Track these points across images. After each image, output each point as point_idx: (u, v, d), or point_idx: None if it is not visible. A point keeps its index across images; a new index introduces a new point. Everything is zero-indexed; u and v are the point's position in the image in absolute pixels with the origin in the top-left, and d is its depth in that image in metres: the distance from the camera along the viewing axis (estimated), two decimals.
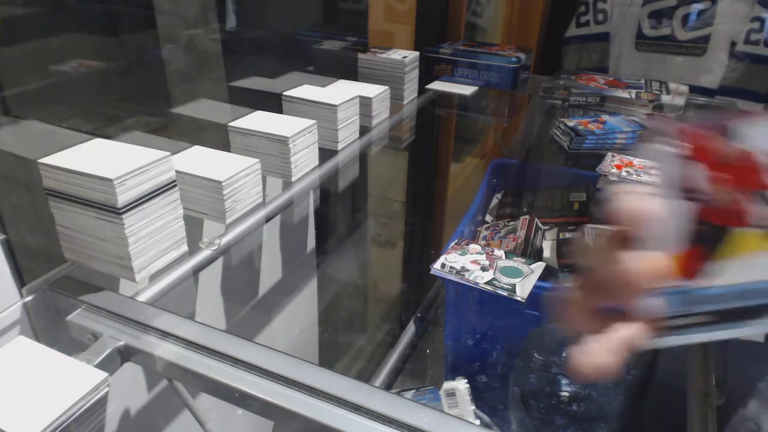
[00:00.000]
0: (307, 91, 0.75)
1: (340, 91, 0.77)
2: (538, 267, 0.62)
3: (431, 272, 0.64)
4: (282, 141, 0.63)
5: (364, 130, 0.81)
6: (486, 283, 0.59)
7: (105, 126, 0.57)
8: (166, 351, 0.43)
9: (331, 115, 0.73)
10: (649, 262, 0.21)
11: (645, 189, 0.23)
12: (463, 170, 1.62)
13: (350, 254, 1.15)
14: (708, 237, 0.22)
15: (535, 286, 0.59)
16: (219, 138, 0.65)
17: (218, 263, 0.67)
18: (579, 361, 0.22)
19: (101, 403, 0.38)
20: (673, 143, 0.22)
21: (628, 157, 0.87)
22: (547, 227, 0.84)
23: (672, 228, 0.22)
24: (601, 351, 0.22)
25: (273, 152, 0.63)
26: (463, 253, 0.66)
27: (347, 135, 0.76)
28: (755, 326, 0.22)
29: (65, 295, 0.48)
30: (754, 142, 0.21)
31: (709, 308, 0.22)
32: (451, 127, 1.14)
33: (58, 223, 0.48)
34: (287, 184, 0.67)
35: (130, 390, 0.59)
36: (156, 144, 0.48)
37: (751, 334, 0.22)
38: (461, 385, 0.56)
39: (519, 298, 0.57)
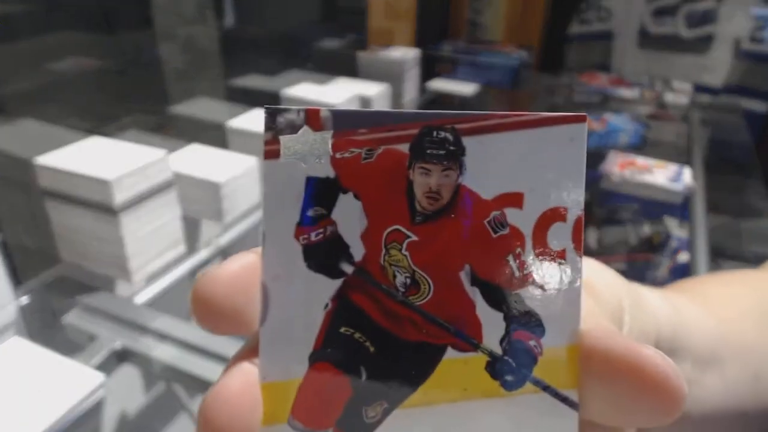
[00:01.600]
0: (306, 89, 0.75)
1: (340, 90, 0.77)
2: None
3: None
4: None
5: None
6: None
7: (102, 124, 0.56)
8: (164, 353, 0.43)
9: None
10: (234, 392, 0.11)
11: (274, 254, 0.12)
12: None
13: None
14: (389, 356, 0.12)
15: None
16: (217, 136, 0.64)
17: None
18: None
19: (98, 406, 0.37)
20: (326, 158, 0.12)
21: (632, 156, 0.86)
22: None
23: (309, 328, 0.12)
24: None
25: None
26: None
27: None
28: None
29: (61, 295, 0.47)
30: (476, 174, 0.12)
31: None
32: None
33: (54, 223, 0.47)
34: None
35: (127, 392, 0.58)
36: (153, 142, 0.48)
37: None
38: None
39: None
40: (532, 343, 0.12)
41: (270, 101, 0.73)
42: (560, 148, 0.12)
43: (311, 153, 0.12)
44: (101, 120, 0.57)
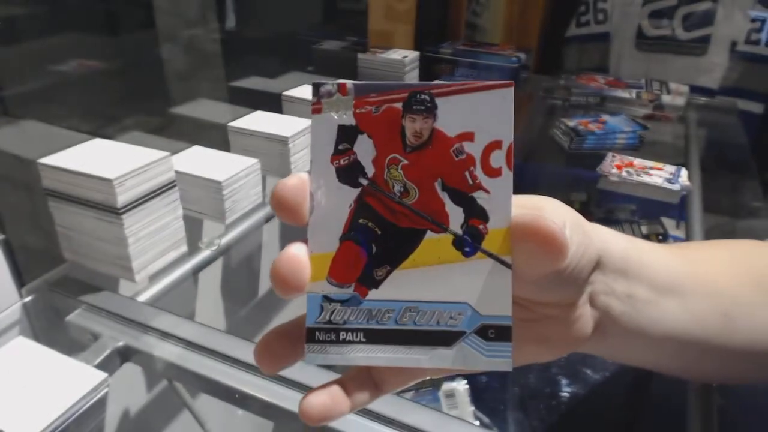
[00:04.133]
0: (306, 91, 0.75)
1: None
2: None
3: None
4: (282, 141, 0.63)
5: None
6: None
7: (105, 126, 0.57)
8: (166, 351, 0.43)
9: None
10: (292, 257, 0.18)
11: (323, 174, 0.19)
12: None
13: None
14: (373, 236, 0.18)
15: None
16: (219, 138, 0.64)
17: (218, 263, 0.67)
18: (303, 411, 0.19)
19: (101, 404, 0.38)
20: (351, 112, 0.18)
21: (629, 157, 0.87)
22: None
23: (342, 220, 0.18)
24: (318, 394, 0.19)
25: (273, 152, 0.63)
26: None
27: None
28: (413, 355, 0.18)
29: (65, 295, 0.48)
30: (445, 120, 0.18)
31: (358, 325, 0.18)
32: None
33: (57, 223, 0.48)
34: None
35: (130, 390, 0.59)
36: (156, 144, 0.48)
37: (411, 364, 0.18)
38: (461, 386, 0.56)
39: None
40: (481, 226, 0.18)
41: (271, 102, 0.73)
42: (496, 103, 0.18)
43: (340, 109, 0.18)
44: (104, 121, 0.57)
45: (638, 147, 0.96)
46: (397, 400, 0.37)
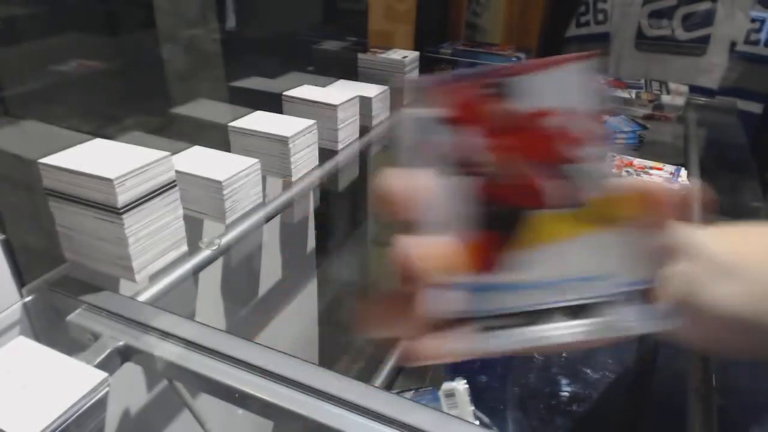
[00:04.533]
0: (307, 91, 0.75)
1: (340, 91, 0.77)
2: None
3: None
4: (282, 141, 0.63)
5: (364, 130, 0.81)
6: None
7: (105, 126, 0.57)
8: (166, 351, 0.43)
9: (331, 115, 0.73)
10: (433, 249, 0.18)
11: (418, 168, 0.19)
12: None
13: (350, 254, 1.15)
14: (502, 220, 0.19)
15: None
16: (219, 138, 0.65)
17: (218, 263, 0.67)
18: (410, 352, 0.19)
19: (101, 403, 0.38)
20: (435, 105, 0.19)
21: (629, 157, 0.87)
22: None
23: (450, 209, 0.19)
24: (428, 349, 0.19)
25: (273, 152, 0.64)
26: None
27: (347, 135, 0.76)
28: (574, 329, 0.19)
29: (65, 295, 0.48)
30: (541, 99, 0.18)
31: (518, 308, 0.19)
32: None
33: (58, 223, 0.48)
34: (287, 184, 0.67)
35: (130, 390, 0.59)
36: (156, 144, 0.48)
37: (571, 339, 0.19)
38: (460, 385, 0.57)
39: None
40: (581, 196, 0.19)
41: (271, 102, 0.74)
42: (578, 75, 0.18)
43: (427, 101, 0.19)
44: (104, 121, 0.57)
45: (638, 147, 0.96)
46: (397, 400, 0.37)
